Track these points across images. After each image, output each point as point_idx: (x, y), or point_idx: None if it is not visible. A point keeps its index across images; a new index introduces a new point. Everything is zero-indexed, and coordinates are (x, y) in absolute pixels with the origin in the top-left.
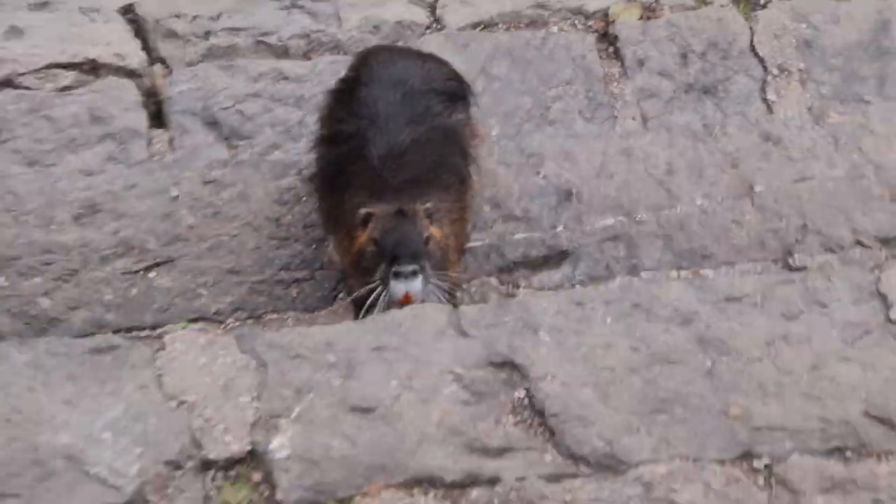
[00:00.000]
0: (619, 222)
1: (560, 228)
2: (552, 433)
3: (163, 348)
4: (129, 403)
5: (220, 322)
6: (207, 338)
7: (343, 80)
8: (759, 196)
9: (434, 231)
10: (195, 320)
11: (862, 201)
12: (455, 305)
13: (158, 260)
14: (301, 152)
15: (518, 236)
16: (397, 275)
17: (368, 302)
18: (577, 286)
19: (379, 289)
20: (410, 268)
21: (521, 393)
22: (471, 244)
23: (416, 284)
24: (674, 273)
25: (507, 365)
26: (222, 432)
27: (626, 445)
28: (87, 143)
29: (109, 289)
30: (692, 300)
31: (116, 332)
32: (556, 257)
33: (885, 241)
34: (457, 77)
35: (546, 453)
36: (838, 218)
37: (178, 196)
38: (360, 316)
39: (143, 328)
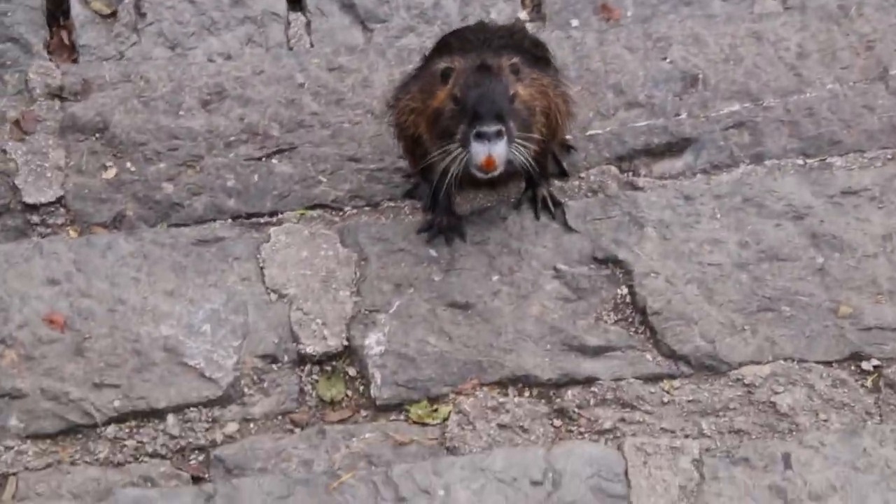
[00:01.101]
0: (745, 109)
1: (684, 115)
2: (653, 332)
3: (267, 240)
4: (230, 295)
5: (338, 209)
6: (311, 230)
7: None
8: (894, 80)
9: (521, 89)
10: (313, 207)
11: None
12: (543, 175)
13: (281, 146)
14: (435, 35)
15: (640, 123)
16: (480, 136)
17: (444, 165)
18: (699, 175)
19: (458, 151)
20: (494, 128)
21: (623, 290)
22: (592, 132)
23: (500, 147)
24: (799, 161)
25: (611, 261)
26: (320, 326)
27: (728, 345)
28: (227, 25)
29: (232, 175)
30: (806, 194)
31: (236, 218)
32: (678, 145)
33: None
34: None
35: (646, 353)
36: None
37: (303, 83)
38: (435, 184)
39: (262, 214)
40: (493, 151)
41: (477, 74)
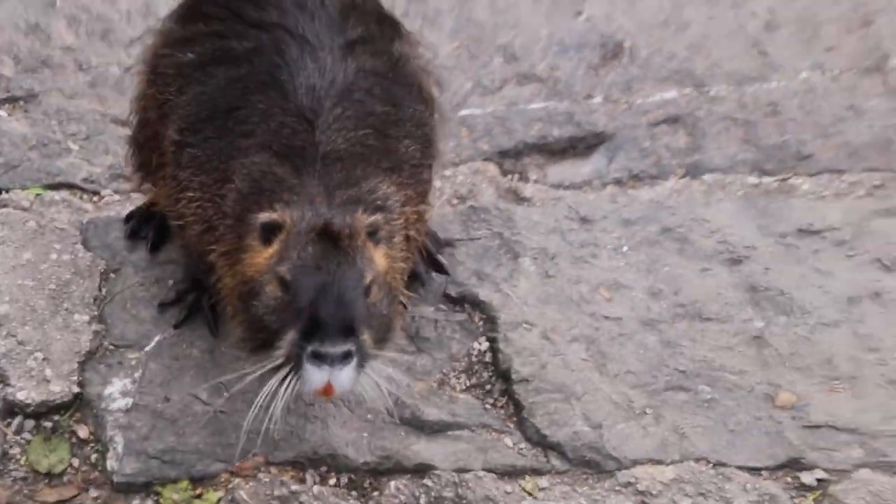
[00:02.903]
0: (685, 97)
1: (598, 99)
2: (518, 407)
3: None
4: None
5: (91, 193)
6: (42, 220)
7: None
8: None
9: (379, 260)
10: (54, 186)
11: None
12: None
13: (14, 93)
14: None
15: (536, 105)
16: (318, 357)
17: (270, 385)
18: (609, 188)
19: (282, 372)
20: (341, 349)
21: (481, 345)
22: (467, 111)
23: (347, 373)
24: (752, 178)
25: (468, 301)
26: (40, 363)
27: (621, 434)
28: None
29: None
30: (750, 229)
31: None
32: (585, 141)
33: None
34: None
35: (505, 435)
36: None
37: (56, 1)
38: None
39: None
40: (337, 379)
41: (318, 250)
